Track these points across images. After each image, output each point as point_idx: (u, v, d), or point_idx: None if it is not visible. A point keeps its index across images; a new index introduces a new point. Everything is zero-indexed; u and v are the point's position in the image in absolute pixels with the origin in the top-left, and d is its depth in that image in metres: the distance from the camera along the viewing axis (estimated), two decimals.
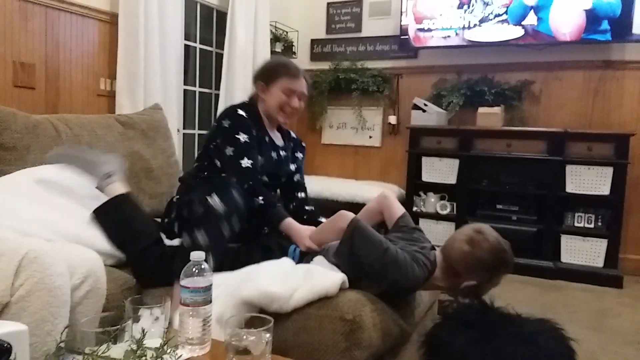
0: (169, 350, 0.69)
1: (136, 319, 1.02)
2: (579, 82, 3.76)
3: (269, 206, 1.83)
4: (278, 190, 2.06)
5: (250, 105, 2.00)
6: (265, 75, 1.98)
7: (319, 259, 1.64)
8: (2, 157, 1.80)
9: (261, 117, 2.00)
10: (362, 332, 1.33)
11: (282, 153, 2.05)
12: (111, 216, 1.73)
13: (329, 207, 3.79)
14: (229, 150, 1.85)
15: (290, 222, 1.82)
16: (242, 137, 1.85)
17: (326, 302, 1.38)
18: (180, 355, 0.83)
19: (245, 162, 1.82)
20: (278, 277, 1.43)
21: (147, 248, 1.66)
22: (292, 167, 2.13)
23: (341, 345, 1.32)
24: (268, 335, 1.00)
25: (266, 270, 1.47)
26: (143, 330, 0.75)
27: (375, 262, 1.45)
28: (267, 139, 2.00)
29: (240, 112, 1.91)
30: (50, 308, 1.05)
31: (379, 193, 1.92)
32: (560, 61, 3.77)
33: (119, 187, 1.85)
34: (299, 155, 2.20)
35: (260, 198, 1.81)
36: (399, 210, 1.83)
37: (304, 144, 2.25)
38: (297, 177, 2.17)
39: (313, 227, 1.83)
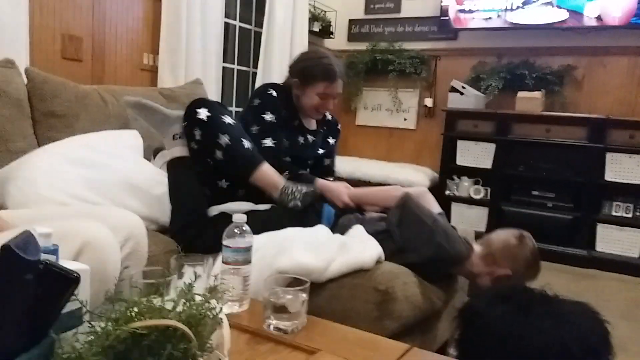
0: (217, 296, 0.74)
1: (180, 275, 1.08)
2: (624, 69, 3.64)
3: (295, 176, 1.83)
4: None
5: (285, 87, 2.01)
6: (302, 75, 1.95)
7: (357, 228, 1.67)
8: (53, 124, 1.89)
9: (293, 102, 2.01)
10: (394, 303, 1.36)
11: (310, 138, 2.05)
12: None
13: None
14: (255, 129, 1.87)
15: (323, 182, 1.84)
16: (268, 117, 1.87)
17: (360, 272, 1.41)
18: (226, 302, 0.88)
19: (268, 142, 1.84)
20: (313, 248, 1.46)
21: (187, 225, 1.67)
22: (321, 151, 2.13)
23: (373, 314, 1.36)
24: (304, 295, 1.04)
25: (302, 239, 1.51)
26: (195, 274, 0.80)
27: (425, 227, 1.55)
28: (296, 122, 2.01)
29: (272, 91, 1.93)
30: (100, 294, 1.09)
31: (419, 188, 1.98)
32: (605, 46, 3.66)
33: (179, 151, 1.81)
34: (331, 140, 2.20)
35: (285, 174, 1.81)
36: (437, 207, 1.88)
37: (339, 127, 2.25)
38: (327, 161, 2.18)
39: (347, 184, 1.87)
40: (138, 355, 0.61)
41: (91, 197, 1.62)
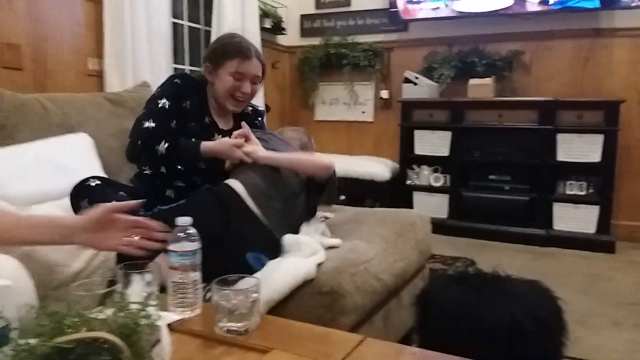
0: (153, 304, 0.71)
1: (127, 284, 1.04)
2: (569, 51, 3.75)
3: (175, 145, 1.63)
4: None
5: (199, 82, 1.82)
6: (213, 57, 1.76)
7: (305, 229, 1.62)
8: None
9: (207, 98, 1.82)
10: (344, 299, 1.33)
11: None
12: None
13: None
14: (141, 112, 1.70)
15: (208, 144, 1.64)
16: (162, 102, 1.68)
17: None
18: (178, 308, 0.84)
19: (149, 124, 1.63)
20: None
21: None
22: None
23: (325, 316, 1.32)
24: (255, 294, 1.02)
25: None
26: (126, 277, 0.76)
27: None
28: (207, 119, 1.80)
29: (176, 80, 1.76)
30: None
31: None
32: (550, 30, 3.76)
33: None
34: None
35: (162, 143, 1.61)
36: None
37: (260, 109, 2.02)
38: None
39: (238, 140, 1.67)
40: None
41: None
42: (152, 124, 1.64)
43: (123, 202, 1.14)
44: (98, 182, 1.53)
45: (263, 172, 1.61)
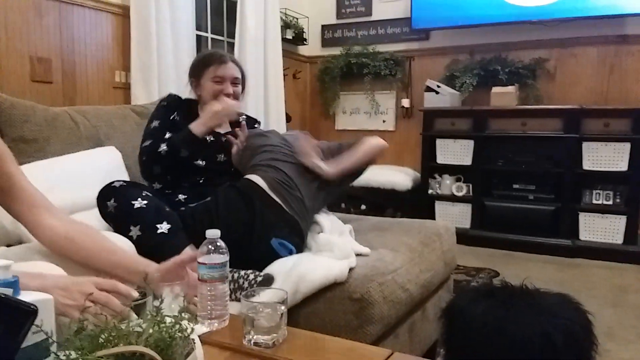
0: (186, 316, 0.72)
1: (156, 295, 1.06)
2: (594, 58, 3.70)
3: (174, 140, 1.77)
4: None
5: (187, 100, 2.00)
6: (194, 71, 1.96)
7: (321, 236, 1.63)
8: (23, 149, 1.84)
9: (196, 109, 1.95)
10: (372, 307, 1.34)
11: (223, 139, 1.96)
12: None
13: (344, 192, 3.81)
14: (141, 139, 1.87)
15: (193, 125, 1.78)
16: (153, 125, 1.87)
17: (333, 283, 1.37)
18: (205, 320, 0.86)
19: (146, 143, 1.81)
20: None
21: None
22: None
23: (353, 323, 1.33)
24: (283, 307, 1.03)
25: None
26: (161, 297, 0.78)
27: None
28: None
29: (163, 102, 1.96)
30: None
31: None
32: (574, 37, 3.72)
33: None
34: None
35: (163, 145, 1.75)
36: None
37: (256, 125, 2.17)
38: None
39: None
40: None
41: None
42: (148, 142, 1.81)
43: (191, 254, 1.18)
44: (123, 183, 1.60)
45: (280, 166, 1.71)
